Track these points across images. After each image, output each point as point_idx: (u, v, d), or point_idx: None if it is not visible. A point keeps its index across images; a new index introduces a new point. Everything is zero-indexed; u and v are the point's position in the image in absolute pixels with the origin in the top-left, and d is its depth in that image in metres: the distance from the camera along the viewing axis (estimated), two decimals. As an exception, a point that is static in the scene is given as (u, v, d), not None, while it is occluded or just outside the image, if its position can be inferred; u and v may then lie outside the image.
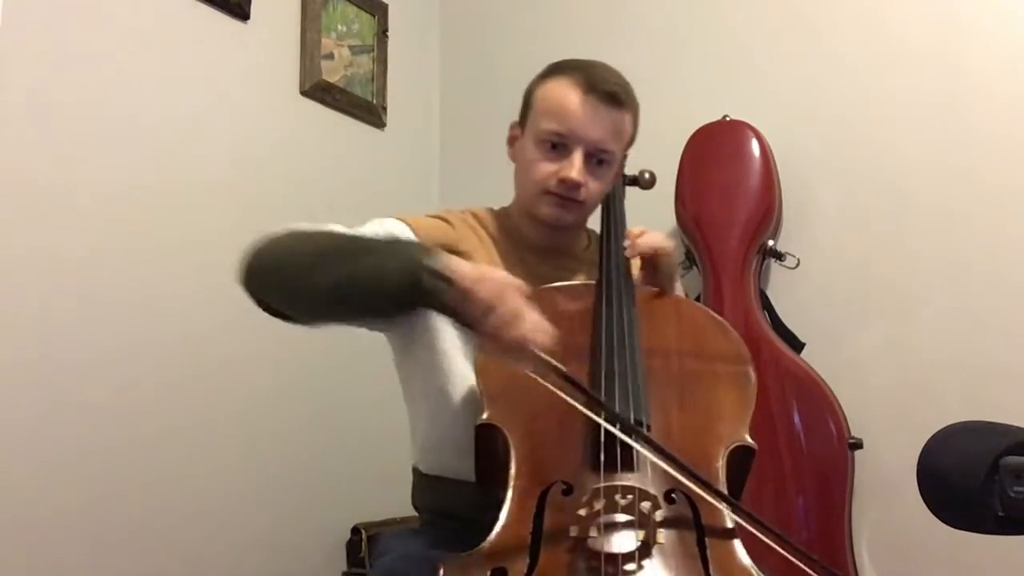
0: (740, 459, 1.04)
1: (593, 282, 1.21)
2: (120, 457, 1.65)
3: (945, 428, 0.79)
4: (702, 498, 0.95)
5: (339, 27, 2.20)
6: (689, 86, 2.12)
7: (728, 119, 2.00)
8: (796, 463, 1.80)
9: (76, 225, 1.62)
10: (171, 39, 1.81)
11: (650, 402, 1.03)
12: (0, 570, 1.47)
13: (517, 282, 0.95)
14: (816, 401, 1.82)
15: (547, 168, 1.21)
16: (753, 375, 1.11)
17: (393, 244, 1.05)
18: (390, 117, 2.34)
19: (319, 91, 2.13)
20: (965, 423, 0.80)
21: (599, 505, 0.91)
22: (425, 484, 1.27)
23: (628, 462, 0.97)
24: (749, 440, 1.04)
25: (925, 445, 0.79)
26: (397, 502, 1.73)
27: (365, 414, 2.13)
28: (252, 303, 1.07)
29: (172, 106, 1.80)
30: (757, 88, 2.07)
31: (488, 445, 1.05)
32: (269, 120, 2.03)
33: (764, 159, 1.95)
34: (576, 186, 1.20)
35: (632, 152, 1.32)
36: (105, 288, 1.66)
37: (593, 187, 1.22)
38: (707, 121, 2.01)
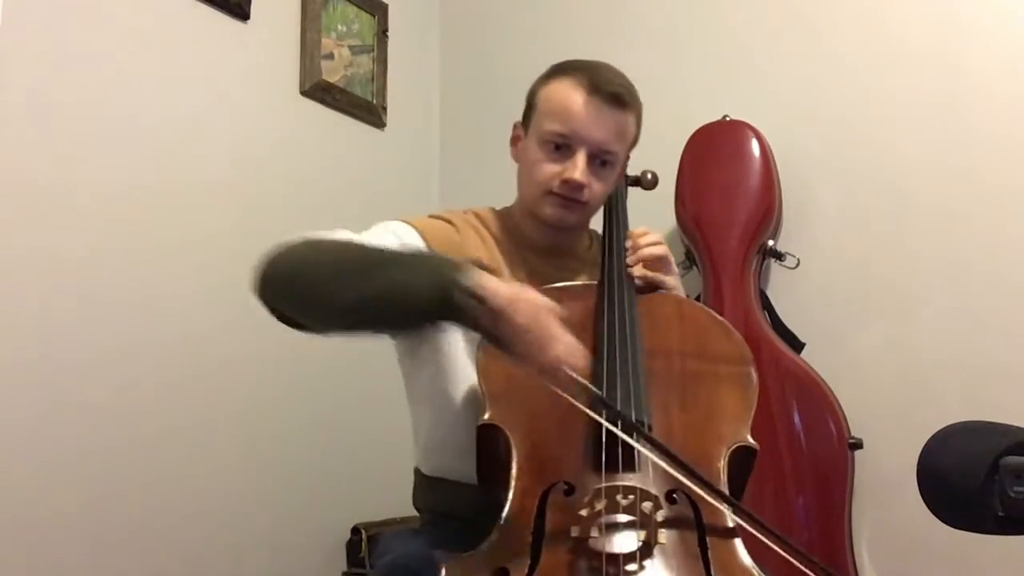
0: (741, 459, 1.04)
1: (595, 283, 1.21)
2: (120, 457, 1.65)
3: (945, 428, 0.80)
4: (703, 498, 0.95)
5: (339, 27, 2.20)
6: (689, 86, 2.12)
7: (728, 119, 2.00)
8: (796, 463, 1.80)
9: (76, 225, 1.62)
10: (171, 39, 1.81)
11: (652, 402, 1.04)
12: (0, 570, 1.47)
13: (551, 304, 0.94)
14: (816, 401, 1.82)
15: (550, 169, 1.21)
16: (755, 376, 1.11)
17: (421, 258, 1.03)
18: (390, 117, 2.34)
19: (319, 91, 2.13)
20: (965, 423, 0.80)
21: (600, 505, 0.91)
22: (426, 485, 1.27)
23: (629, 462, 0.97)
24: (751, 441, 1.04)
25: (925, 445, 0.79)
26: (397, 502, 1.73)
27: (365, 414, 2.13)
28: (252, 303, 1.06)
29: (172, 106, 1.80)
30: (757, 88, 2.07)
31: (490, 445, 1.05)
32: (269, 120, 2.03)
33: (764, 159, 1.95)
34: (579, 187, 1.20)
35: (632, 152, 1.32)
36: (105, 288, 1.66)
37: (596, 188, 1.22)
38: (707, 121, 2.01)
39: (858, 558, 1.82)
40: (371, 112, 2.29)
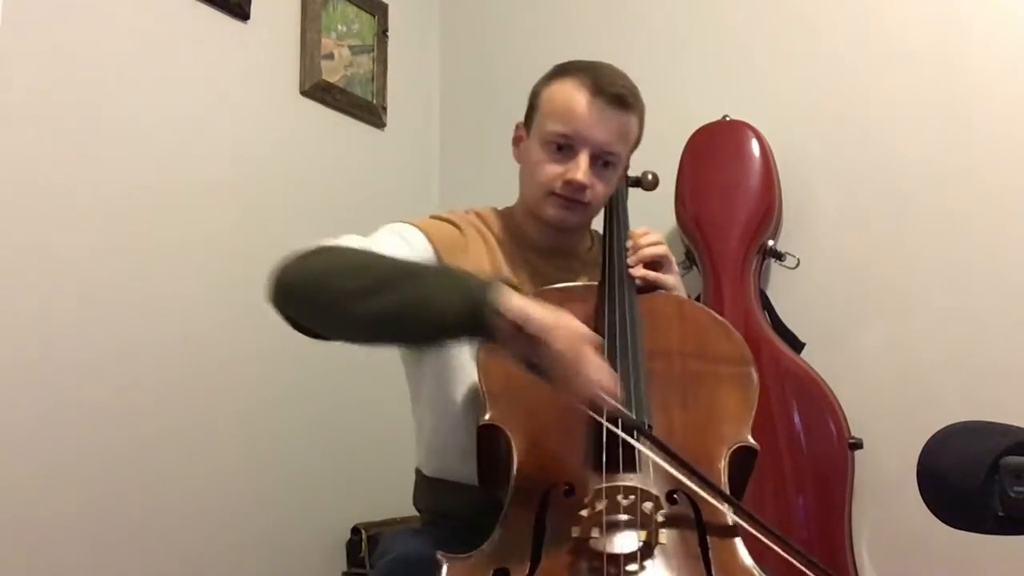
0: (742, 460, 1.04)
1: (596, 283, 1.21)
2: (120, 457, 1.65)
3: (945, 428, 0.79)
4: (704, 499, 0.95)
5: (339, 27, 2.20)
6: (689, 86, 2.12)
7: (728, 119, 2.00)
8: (796, 463, 1.80)
9: (76, 225, 1.62)
10: (171, 39, 1.81)
11: (652, 403, 1.04)
12: (0, 570, 1.47)
13: (588, 332, 0.93)
14: (816, 401, 1.82)
15: (553, 170, 1.21)
16: (756, 376, 1.11)
17: (450, 275, 1.00)
18: (390, 117, 2.34)
19: (319, 91, 2.13)
20: (965, 423, 0.80)
21: (601, 506, 0.91)
22: (427, 485, 1.27)
23: (630, 462, 0.97)
24: (751, 441, 1.04)
25: (925, 445, 0.79)
26: (397, 502, 1.73)
27: (365, 415, 2.13)
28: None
29: (172, 106, 1.80)
30: (757, 88, 2.07)
31: (490, 446, 1.05)
32: (269, 120, 2.03)
33: (764, 159, 1.95)
34: (582, 188, 1.20)
35: (633, 152, 1.32)
36: (105, 288, 1.66)
37: (599, 189, 1.22)
38: (707, 121, 2.01)
39: (858, 558, 1.82)
40: (371, 112, 2.29)
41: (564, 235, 1.29)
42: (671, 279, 1.24)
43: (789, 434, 1.81)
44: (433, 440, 1.24)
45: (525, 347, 0.91)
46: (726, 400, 1.10)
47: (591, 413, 0.95)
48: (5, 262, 1.51)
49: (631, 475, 0.96)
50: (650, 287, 1.22)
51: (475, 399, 1.13)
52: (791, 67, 2.04)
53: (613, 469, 0.96)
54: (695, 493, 0.96)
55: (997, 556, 1.59)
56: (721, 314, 1.26)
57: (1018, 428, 0.74)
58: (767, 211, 1.93)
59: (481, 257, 1.24)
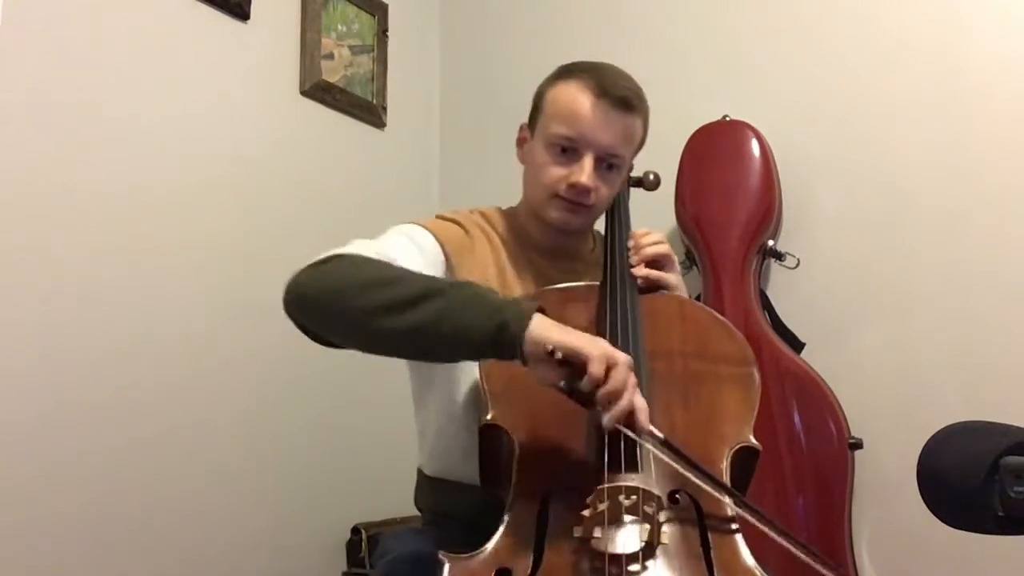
0: (744, 460, 1.04)
1: (597, 284, 1.21)
2: (120, 457, 1.65)
3: (945, 428, 0.79)
4: (706, 498, 0.95)
5: (339, 27, 2.20)
6: (689, 86, 2.12)
7: (728, 119, 2.00)
8: (796, 463, 1.80)
9: (76, 225, 1.62)
10: (171, 39, 1.81)
11: (654, 403, 1.03)
12: (0, 570, 1.47)
13: (623, 355, 0.93)
14: (816, 401, 1.82)
15: (557, 172, 1.21)
16: (757, 376, 1.11)
17: (476, 294, 0.98)
18: (390, 117, 2.34)
19: (319, 91, 2.13)
20: (965, 423, 0.80)
21: (603, 506, 0.91)
22: (428, 485, 1.27)
23: (632, 462, 0.97)
24: (753, 441, 1.04)
25: (925, 445, 0.79)
26: (397, 502, 1.73)
27: (365, 414, 2.13)
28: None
29: (172, 106, 1.80)
30: (757, 88, 2.07)
31: (492, 446, 1.05)
32: (269, 120, 2.03)
33: (764, 159, 1.95)
34: (586, 191, 1.20)
35: (633, 152, 1.32)
36: (105, 288, 1.66)
37: (603, 192, 1.22)
38: (707, 121, 2.01)
39: (858, 558, 1.82)
40: (371, 112, 2.29)
41: (567, 236, 1.28)
42: (673, 278, 1.24)
43: (789, 434, 1.81)
44: (437, 441, 1.24)
45: (558, 372, 0.92)
46: (727, 400, 1.10)
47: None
48: (5, 262, 1.51)
49: (633, 475, 0.96)
50: (653, 286, 1.22)
51: (477, 399, 1.13)
52: (791, 67, 2.04)
53: (615, 469, 0.96)
54: (697, 493, 0.96)
55: (997, 556, 1.59)
56: (721, 314, 1.26)
57: (1018, 428, 0.74)
58: (767, 211, 1.93)
59: (486, 258, 1.24)
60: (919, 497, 0.77)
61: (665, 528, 0.91)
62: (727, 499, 0.95)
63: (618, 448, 0.96)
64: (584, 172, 1.19)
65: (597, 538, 0.90)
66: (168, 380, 1.75)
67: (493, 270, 1.23)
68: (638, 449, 0.97)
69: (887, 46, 1.94)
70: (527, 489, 0.98)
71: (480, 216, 1.31)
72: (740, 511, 0.95)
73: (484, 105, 2.43)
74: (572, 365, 0.91)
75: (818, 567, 0.86)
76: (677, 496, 0.97)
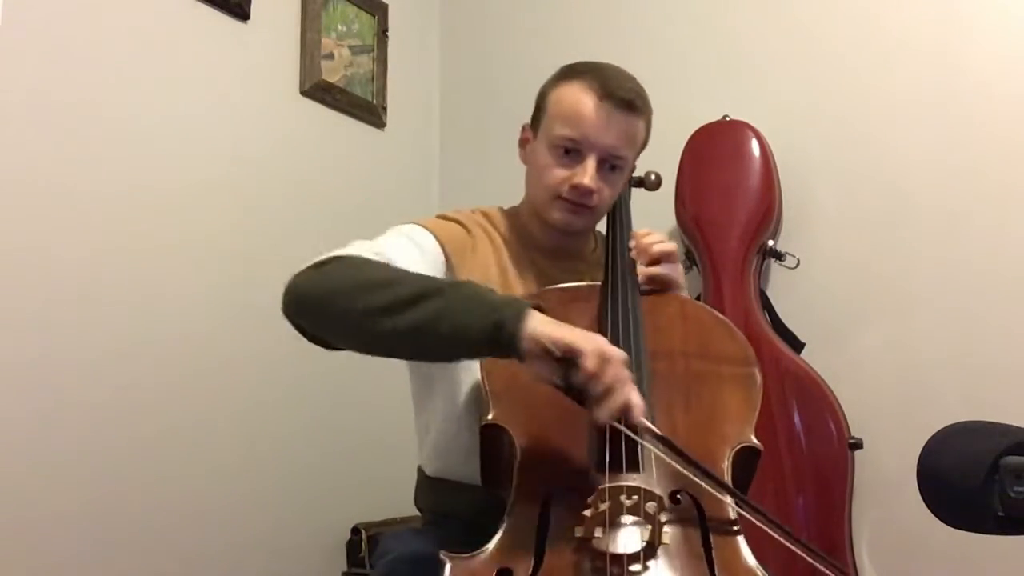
0: (745, 460, 1.04)
1: (599, 283, 1.20)
2: (120, 457, 1.65)
3: (945, 428, 0.80)
4: (708, 498, 0.95)
5: (339, 27, 2.20)
6: (689, 86, 2.12)
7: (728, 119, 2.00)
8: (796, 463, 1.80)
9: (76, 225, 1.62)
10: (171, 39, 1.81)
11: (655, 403, 1.03)
12: (0, 570, 1.47)
13: (619, 352, 0.93)
14: (816, 401, 1.82)
15: (560, 174, 1.21)
16: (759, 376, 1.11)
17: (473, 293, 0.98)
18: (390, 117, 2.34)
19: (319, 91, 2.13)
20: (965, 423, 0.80)
21: (604, 506, 0.91)
22: (428, 485, 1.27)
23: (633, 462, 0.97)
24: (755, 441, 1.04)
25: (925, 445, 0.79)
26: (397, 502, 1.74)
27: (365, 415, 2.13)
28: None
29: (172, 106, 1.80)
30: (757, 88, 2.07)
31: (493, 446, 1.05)
32: (269, 120, 2.03)
33: (764, 159, 1.95)
34: (589, 193, 1.20)
35: (634, 153, 1.31)
36: (105, 288, 1.66)
37: (605, 193, 1.22)
38: (707, 121, 2.01)
39: (858, 558, 1.82)
40: (371, 112, 2.29)
41: (569, 236, 1.28)
42: (679, 278, 1.24)
43: (789, 434, 1.81)
44: (439, 441, 1.24)
45: (554, 368, 0.91)
46: (729, 400, 1.09)
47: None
48: (5, 262, 1.51)
49: (634, 475, 0.96)
50: (657, 285, 1.22)
51: (479, 399, 1.13)
52: (791, 67, 2.05)
53: (616, 469, 0.96)
54: (699, 493, 0.96)
55: (997, 556, 1.60)
56: (721, 314, 1.26)
57: (1018, 428, 0.74)
58: (767, 211, 1.94)
59: (488, 258, 1.24)
60: (919, 497, 0.77)
61: (666, 528, 0.91)
62: (727, 498, 0.95)
63: (619, 448, 0.96)
64: (587, 174, 1.19)
65: (598, 538, 0.90)
66: (168, 380, 1.75)
67: (495, 270, 1.23)
68: (639, 449, 0.97)
69: (887, 46, 1.94)
70: (528, 489, 0.98)
71: (482, 216, 1.30)
72: (741, 510, 0.95)
73: (484, 105, 2.43)
74: (567, 361, 0.91)
75: (820, 566, 0.86)
76: (678, 496, 0.97)
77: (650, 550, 0.89)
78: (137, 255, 1.71)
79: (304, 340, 1.07)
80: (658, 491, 0.94)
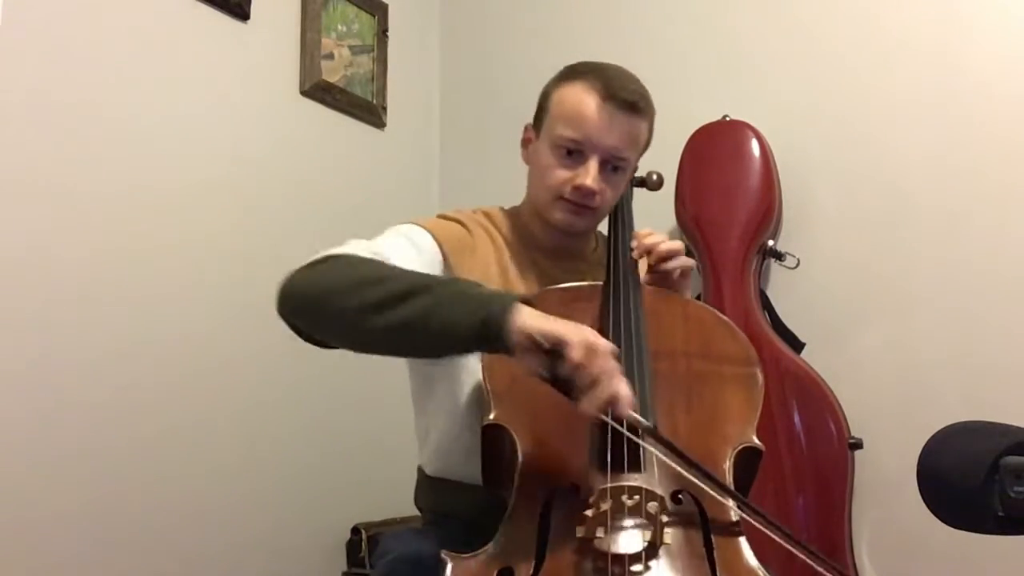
0: (747, 460, 1.04)
1: (600, 283, 1.20)
2: (120, 457, 1.65)
3: (945, 428, 0.80)
4: (709, 499, 0.95)
5: (339, 27, 2.20)
6: (689, 86, 2.12)
7: (728, 119, 2.00)
8: (796, 463, 1.80)
9: (76, 225, 1.62)
10: (171, 39, 1.81)
11: (657, 403, 1.03)
12: (0, 570, 1.46)
13: (606, 343, 0.92)
14: (816, 401, 1.82)
15: (562, 175, 1.21)
16: (760, 377, 1.11)
17: (462, 289, 0.98)
18: (390, 117, 2.34)
19: (319, 91, 2.13)
20: (965, 423, 0.80)
21: (606, 506, 0.91)
22: (428, 485, 1.27)
23: (635, 462, 0.97)
24: (756, 441, 1.04)
25: (925, 445, 0.79)
26: (397, 502, 1.74)
27: (365, 415, 2.13)
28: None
29: (172, 106, 1.80)
30: (757, 88, 2.07)
31: (495, 446, 1.05)
32: (269, 120, 2.03)
33: (764, 159, 1.95)
34: (591, 194, 1.20)
35: (635, 153, 1.31)
36: (105, 288, 1.66)
37: (607, 194, 1.22)
38: (707, 121, 2.01)
39: (858, 558, 1.82)
40: (371, 112, 2.29)
41: (571, 237, 1.28)
42: (685, 280, 1.24)
43: (789, 434, 1.81)
44: (439, 441, 1.24)
45: (543, 361, 0.91)
46: (730, 400, 1.09)
47: (599, 415, 0.95)
48: (5, 262, 1.51)
49: (636, 475, 0.96)
50: (663, 283, 1.22)
51: (480, 399, 1.13)
52: (791, 67, 2.05)
53: (618, 469, 0.96)
54: (700, 493, 0.96)
55: (997, 556, 1.60)
56: (721, 314, 1.26)
57: (1018, 428, 0.74)
58: (767, 211, 1.94)
59: (489, 258, 1.24)
60: (919, 497, 0.77)
61: (668, 528, 0.91)
62: (722, 495, 0.95)
63: (621, 448, 0.96)
64: (589, 175, 1.19)
65: (600, 538, 0.90)
66: (168, 380, 1.75)
67: (496, 269, 1.23)
68: (641, 449, 0.97)
69: (887, 46, 1.95)
70: (530, 489, 0.98)
71: (483, 216, 1.30)
72: (739, 508, 0.95)
73: (484, 105, 2.43)
74: (555, 352, 0.90)
75: (821, 568, 0.86)
76: (680, 496, 0.97)
77: (651, 550, 0.90)
78: (137, 255, 1.71)
79: (303, 341, 1.07)
80: (659, 491, 0.94)
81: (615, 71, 1.23)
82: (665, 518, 0.91)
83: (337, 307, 0.99)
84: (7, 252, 1.51)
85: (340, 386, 2.07)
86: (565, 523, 0.93)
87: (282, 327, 1.07)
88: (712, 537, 0.93)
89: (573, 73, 1.24)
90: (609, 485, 0.93)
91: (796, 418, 1.82)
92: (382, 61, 2.32)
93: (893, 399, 1.86)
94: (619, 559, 0.88)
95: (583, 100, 1.19)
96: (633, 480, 0.95)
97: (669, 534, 0.91)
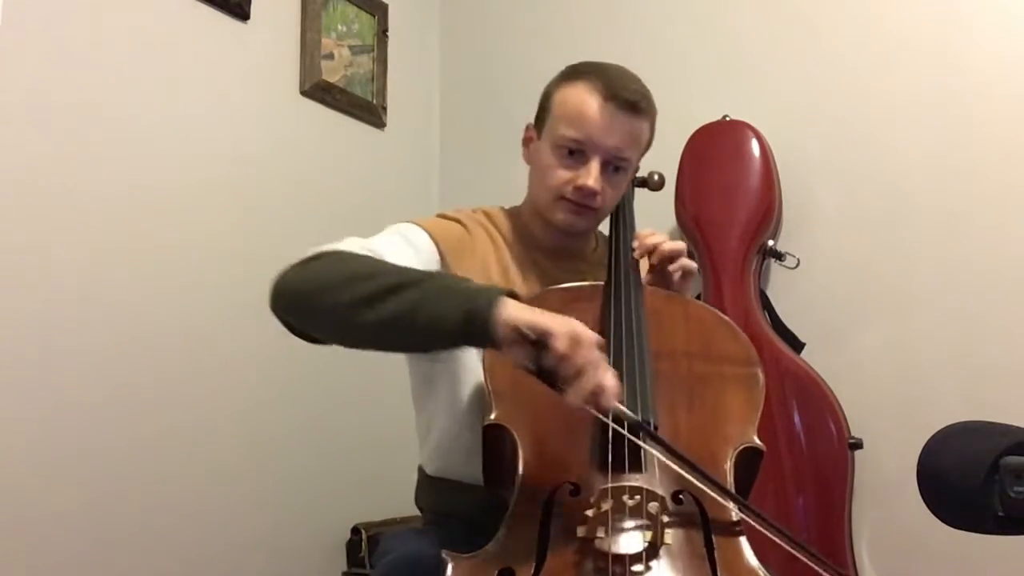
0: (748, 460, 1.04)
1: (602, 284, 1.20)
2: (120, 457, 1.65)
3: (945, 428, 0.80)
4: (709, 499, 0.95)
5: (339, 27, 2.20)
6: (689, 86, 2.12)
7: (728, 119, 2.00)
8: (796, 463, 1.80)
9: (76, 225, 1.62)
10: (171, 39, 1.81)
11: (658, 403, 1.03)
12: (0, 570, 1.46)
13: (591, 333, 0.92)
14: (816, 401, 1.82)
15: (563, 175, 1.21)
16: (761, 377, 1.11)
17: (448, 283, 0.99)
18: (390, 117, 2.34)
19: (319, 91, 2.13)
20: (965, 423, 0.80)
21: (607, 506, 0.91)
22: (429, 485, 1.27)
23: (636, 463, 0.97)
24: (757, 441, 1.04)
25: (925, 445, 0.79)
26: (397, 502, 1.74)
27: (365, 414, 2.13)
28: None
29: (172, 106, 1.80)
30: (757, 88, 2.07)
31: (496, 446, 1.05)
32: (269, 120, 2.03)
33: (764, 159, 1.95)
34: (592, 194, 1.20)
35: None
36: (105, 288, 1.66)
37: (609, 194, 1.22)
38: (707, 121, 2.01)
39: (858, 558, 1.83)
40: (371, 112, 2.29)
41: (572, 237, 1.28)
42: (687, 283, 1.24)
43: (789, 434, 1.81)
44: (440, 440, 1.24)
45: (529, 353, 0.91)
46: (731, 401, 1.09)
47: (597, 414, 0.95)
48: (5, 262, 1.51)
49: (637, 475, 0.96)
50: (666, 283, 1.22)
51: (480, 398, 1.13)
52: (791, 67, 2.05)
53: (619, 469, 0.96)
54: (701, 493, 0.96)
55: (997, 556, 1.60)
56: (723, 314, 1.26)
57: (1018, 428, 0.75)
58: (767, 211, 1.94)
59: (488, 257, 1.24)
60: (919, 497, 0.77)
61: (668, 529, 0.91)
62: (730, 504, 0.95)
63: (622, 448, 0.96)
64: (591, 175, 1.19)
65: (600, 538, 0.90)
66: (168, 380, 1.75)
67: (496, 268, 1.23)
68: (642, 450, 0.97)
69: (887, 46, 1.95)
70: (530, 489, 0.98)
71: (483, 215, 1.30)
72: (740, 512, 0.95)
73: (484, 105, 2.43)
74: (540, 344, 0.90)
75: (820, 570, 0.86)
76: (681, 497, 0.97)
77: (652, 551, 0.89)
78: (137, 255, 1.71)
79: (303, 341, 1.07)
80: (660, 491, 0.94)
81: (616, 71, 1.23)
82: (666, 518, 0.91)
83: (328, 302, 0.99)
84: (7, 252, 1.51)
85: (340, 386, 2.07)
86: (566, 523, 0.93)
87: (282, 328, 1.07)
88: (713, 537, 0.93)
89: (575, 73, 1.24)
90: (610, 485, 0.93)
91: (796, 418, 1.82)
92: (382, 61, 2.32)
93: (893, 399, 1.86)
94: (620, 559, 0.88)
95: (585, 100, 1.19)
96: (634, 480, 0.95)
97: (670, 534, 0.91)
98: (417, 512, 1.34)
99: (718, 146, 1.99)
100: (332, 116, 2.18)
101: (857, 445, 1.80)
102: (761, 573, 0.91)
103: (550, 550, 0.92)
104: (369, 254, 1.09)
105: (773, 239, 1.97)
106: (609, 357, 1.05)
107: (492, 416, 1.04)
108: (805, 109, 2.02)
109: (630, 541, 0.90)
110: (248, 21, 1.97)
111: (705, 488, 0.95)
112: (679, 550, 0.92)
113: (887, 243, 1.91)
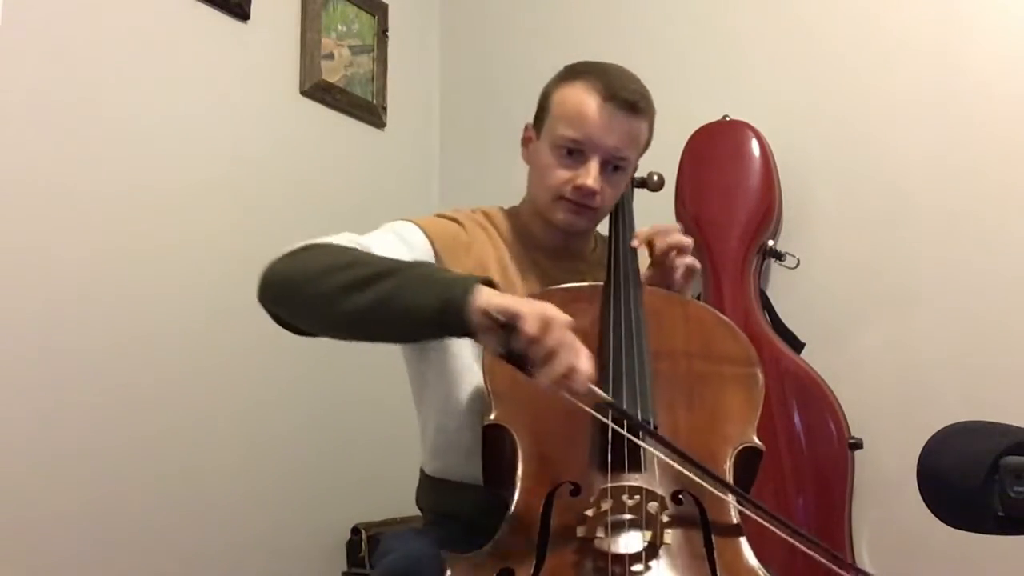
0: (747, 460, 1.04)
1: (601, 284, 1.20)
2: (120, 457, 1.65)
3: (945, 428, 0.80)
4: (709, 499, 0.95)
5: (339, 27, 2.20)
6: (689, 86, 2.12)
7: (728, 119, 2.00)
8: (796, 463, 1.80)
9: (76, 225, 1.62)
10: (171, 39, 1.81)
11: (657, 403, 1.03)
12: (0, 570, 1.46)
13: (562, 315, 0.91)
14: (816, 401, 1.82)
15: (562, 175, 1.21)
16: (761, 377, 1.11)
17: (425, 272, 1.00)
18: (390, 117, 2.34)
19: (319, 91, 2.13)
20: (965, 423, 0.80)
21: (606, 506, 0.91)
22: (429, 485, 1.27)
23: (635, 462, 0.97)
24: (756, 441, 1.04)
25: (925, 445, 0.79)
26: (397, 502, 1.74)
27: (365, 414, 2.13)
28: (252, 303, 1.06)
29: (172, 106, 1.80)
30: (757, 88, 2.07)
31: (495, 446, 1.05)
32: (269, 120, 2.03)
33: (764, 159, 1.95)
34: (591, 194, 1.20)
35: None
36: (105, 288, 1.66)
37: (608, 194, 1.22)
38: (707, 121, 2.01)
39: (858, 558, 1.82)
40: (371, 112, 2.29)
41: (571, 237, 1.28)
42: (688, 283, 1.24)
43: (789, 434, 1.81)
44: (437, 440, 1.24)
45: (500, 337, 0.90)
46: (731, 401, 1.09)
47: (597, 415, 0.95)
48: (5, 262, 1.51)
49: (636, 475, 0.96)
50: (667, 280, 1.22)
51: (480, 399, 1.13)
52: (791, 67, 2.05)
53: (618, 469, 0.96)
54: (701, 493, 0.96)
55: (997, 556, 1.60)
56: (721, 314, 1.26)
57: (1018, 428, 0.75)
58: (767, 211, 1.94)
59: (486, 256, 1.24)
60: (919, 497, 0.78)
61: (668, 528, 0.91)
62: (730, 497, 0.95)
63: (622, 448, 0.96)
64: (590, 175, 1.19)
65: (600, 538, 0.90)
66: (168, 380, 1.75)
67: (495, 268, 1.23)
68: (641, 450, 0.97)
69: (887, 46, 1.95)
70: (530, 489, 0.98)
71: (482, 215, 1.30)
72: (740, 506, 0.95)
73: (484, 105, 2.43)
74: (510, 327, 0.89)
75: (819, 557, 0.86)
76: (680, 496, 0.97)
77: (652, 550, 0.89)
78: (137, 255, 1.71)
79: (303, 339, 1.07)
80: (660, 491, 0.94)
81: (616, 71, 1.23)
82: (665, 518, 0.91)
83: (310, 291, 1.00)
84: (7, 252, 1.51)
85: (340, 385, 2.07)
86: (565, 523, 0.93)
87: (280, 326, 1.07)
88: (712, 537, 0.93)
89: (574, 73, 1.24)
90: (609, 485, 0.93)
91: (796, 418, 1.82)
92: (382, 61, 2.32)
93: (893, 399, 1.86)
94: (619, 559, 0.88)
95: (584, 100, 1.19)
96: (633, 480, 0.95)
97: (669, 534, 0.91)
98: (417, 512, 1.34)
99: (718, 146, 1.99)
100: (332, 116, 2.18)
101: (857, 445, 1.80)
102: (761, 573, 0.91)
103: (550, 550, 0.92)
104: (358, 247, 1.09)
105: (773, 239, 1.97)
106: (609, 357, 1.05)
107: (492, 416, 1.04)
108: (805, 109, 2.02)
109: (630, 541, 0.90)
110: (248, 21, 1.97)
111: (705, 484, 0.95)
112: (679, 550, 0.91)
113: (887, 243, 1.91)
